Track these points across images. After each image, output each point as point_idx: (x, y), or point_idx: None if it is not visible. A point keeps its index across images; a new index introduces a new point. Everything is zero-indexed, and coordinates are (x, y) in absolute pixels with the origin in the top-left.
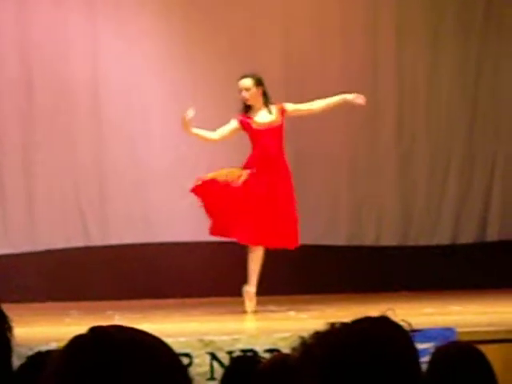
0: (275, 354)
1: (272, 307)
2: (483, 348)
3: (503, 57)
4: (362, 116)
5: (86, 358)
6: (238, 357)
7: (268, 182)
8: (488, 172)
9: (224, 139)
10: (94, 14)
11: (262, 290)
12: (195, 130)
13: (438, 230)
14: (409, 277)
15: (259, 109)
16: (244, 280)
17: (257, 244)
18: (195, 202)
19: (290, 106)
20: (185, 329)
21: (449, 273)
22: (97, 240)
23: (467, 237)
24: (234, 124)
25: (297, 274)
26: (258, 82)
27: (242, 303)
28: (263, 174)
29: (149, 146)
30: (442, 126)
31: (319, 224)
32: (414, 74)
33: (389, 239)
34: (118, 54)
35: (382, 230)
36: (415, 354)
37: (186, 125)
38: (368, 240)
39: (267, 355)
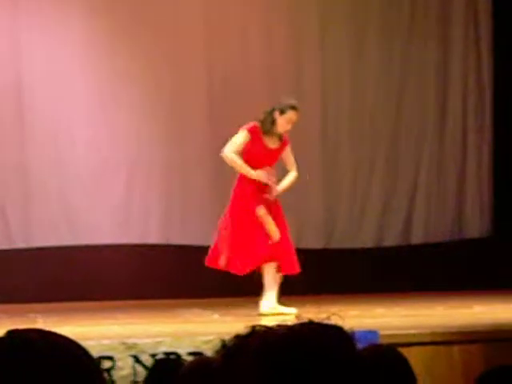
0: (198, 356)
1: (196, 310)
2: (406, 351)
3: (427, 60)
4: None
5: (2, 361)
6: (161, 359)
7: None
8: (412, 175)
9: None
10: (17, 15)
11: (186, 294)
12: (283, 183)
13: (363, 233)
14: (333, 279)
15: (275, 136)
16: (166, 281)
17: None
18: (118, 204)
19: (288, 148)
20: (108, 331)
21: (373, 275)
22: (20, 242)
23: (392, 240)
24: (245, 137)
25: (220, 277)
26: None
27: (165, 305)
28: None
29: (72, 150)
30: (366, 129)
31: None
32: (338, 78)
33: (313, 242)
34: (42, 57)
35: (306, 234)
36: (355, 356)
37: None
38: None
39: (190, 358)
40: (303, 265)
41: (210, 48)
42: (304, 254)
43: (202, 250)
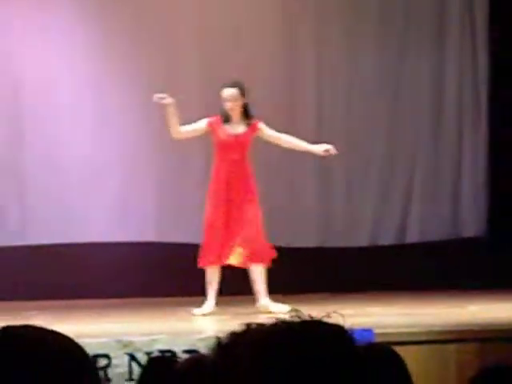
0: (193, 354)
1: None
2: (401, 350)
3: (423, 55)
4: (280, 121)
5: None
6: (155, 357)
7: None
8: (408, 173)
9: (184, 136)
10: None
11: (182, 292)
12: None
13: (358, 232)
14: (328, 278)
15: (236, 121)
16: (162, 279)
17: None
18: (114, 203)
19: (263, 127)
20: (104, 329)
21: (368, 274)
22: (17, 240)
23: (387, 239)
24: (201, 123)
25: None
26: (242, 93)
27: (160, 303)
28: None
29: (68, 150)
30: (361, 126)
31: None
32: (333, 81)
33: (308, 241)
34: (39, 61)
35: (299, 232)
36: (354, 355)
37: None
38: (283, 242)
39: (186, 356)
40: (299, 263)
41: (204, 48)
42: (299, 253)
43: (198, 248)
